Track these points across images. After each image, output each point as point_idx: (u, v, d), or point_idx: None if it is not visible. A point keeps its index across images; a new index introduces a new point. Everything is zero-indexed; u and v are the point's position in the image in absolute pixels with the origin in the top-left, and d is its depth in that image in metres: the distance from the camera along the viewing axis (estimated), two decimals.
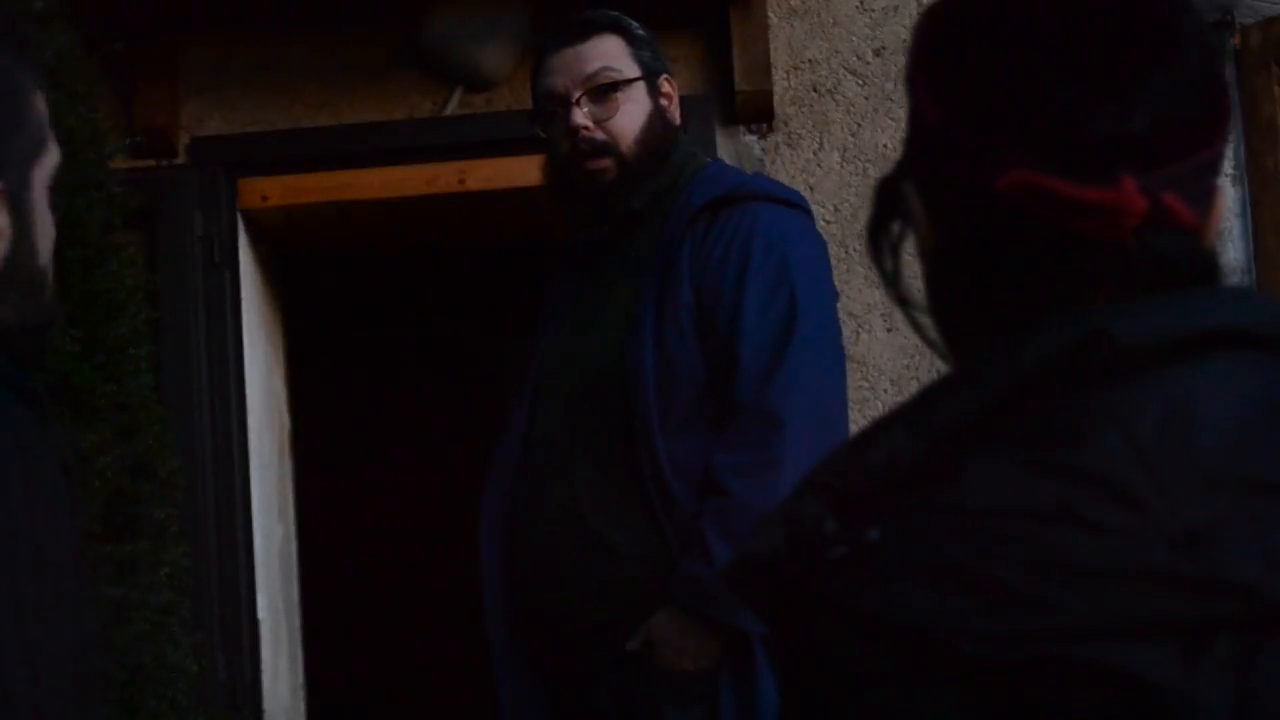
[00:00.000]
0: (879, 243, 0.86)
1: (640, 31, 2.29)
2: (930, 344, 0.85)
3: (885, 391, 3.35)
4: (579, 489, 2.17)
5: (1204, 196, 0.77)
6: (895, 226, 0.86)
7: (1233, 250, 3.31)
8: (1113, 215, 0.73)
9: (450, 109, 3.51)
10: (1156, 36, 0.76)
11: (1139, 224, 0.73)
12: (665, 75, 2.30)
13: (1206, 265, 0.77)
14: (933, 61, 0.81)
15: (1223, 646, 0.64)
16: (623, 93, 2.22)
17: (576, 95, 2.20)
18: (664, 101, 2.28)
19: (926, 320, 0.84)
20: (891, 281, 0.85)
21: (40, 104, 1.14)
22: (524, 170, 3.38)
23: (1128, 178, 0.73)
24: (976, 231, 0.78)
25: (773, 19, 3.41)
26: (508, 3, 3.39)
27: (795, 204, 2.27)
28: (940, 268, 0.81)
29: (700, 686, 2.05)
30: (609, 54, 2.24)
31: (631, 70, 2.24)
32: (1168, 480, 0.67)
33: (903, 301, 0.84)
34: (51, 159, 1.13)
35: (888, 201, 0.85)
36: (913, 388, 3.34)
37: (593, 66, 2.22)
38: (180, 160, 3.55)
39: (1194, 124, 0.76)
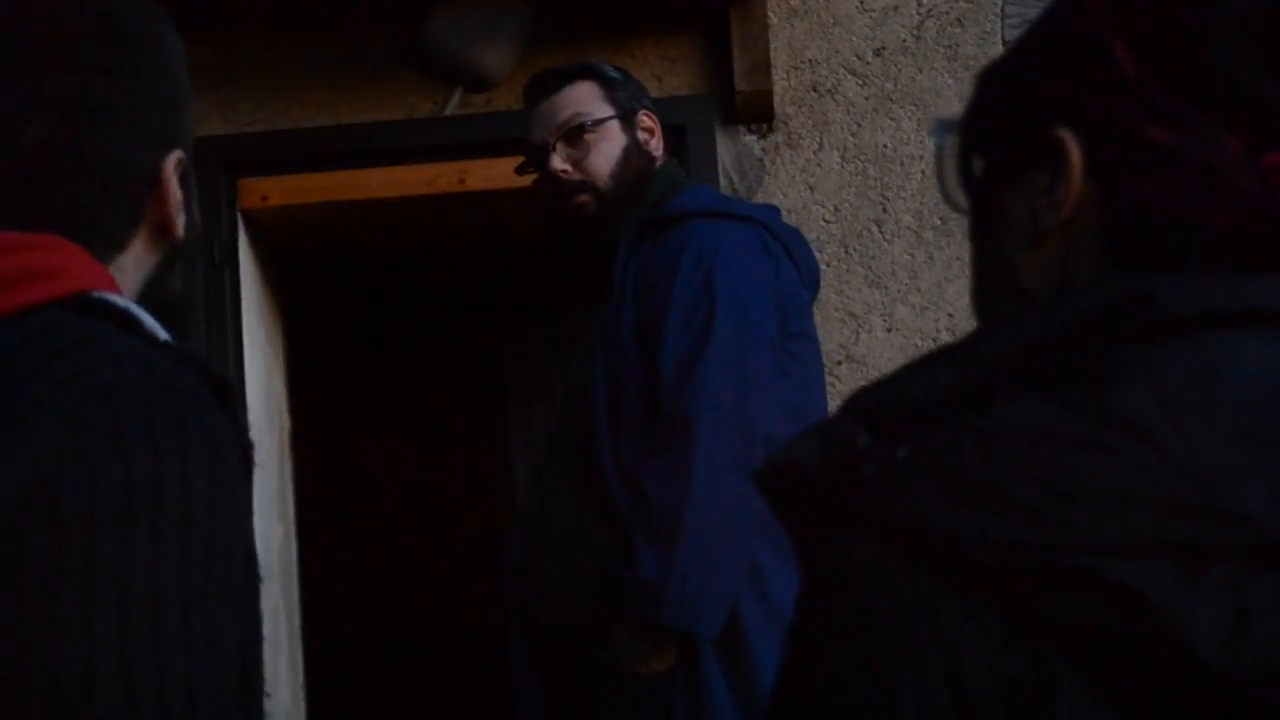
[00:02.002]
0: (967, 178, 0.86)
1: (613, 74, 2.45)
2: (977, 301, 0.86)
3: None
4: (551, 503, 2.29)
5: None
6: (978, 163, 0.86)
7: None
8: None
9: (450, 109, 3.51)
10: None
11: None
12: (645, 111, 2.44)
13: None
14: (1134, 14, 0.80)
15: (1220, 572, 0.66)
16: (594, 133, 2.37)
17: (552, 143, 2.38)
18: (643, 136, 2.42)
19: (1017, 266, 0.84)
20: (982, 212, 0.86)
21: None
22: None
23: None
24: (1164, 194, 0.78)
25: (773, 19, 3.41)
26: (508, 3, 3.39)
27: (741, 216, 2.33)
28: (1083, 222, 0.81)
29: (656, 687, 2.12)
30: (580, 100, 2.40)
31: (603, 111, 2.39)
32: (1189, 427, 0.70)
33: (984, 235, 0.85)
34: None
35: (990, 138, 0.85)
36: None
37: (564, 114, 2.39)
38: None
39: None
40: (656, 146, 2.44)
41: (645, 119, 2.44)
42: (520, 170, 2.49)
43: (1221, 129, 0.77)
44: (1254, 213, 0.77)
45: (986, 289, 0.90)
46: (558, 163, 2.37)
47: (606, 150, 2.38)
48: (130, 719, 0.82)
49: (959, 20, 3.43)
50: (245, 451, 0.99)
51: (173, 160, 1.10)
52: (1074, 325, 0.75)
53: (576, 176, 2.37)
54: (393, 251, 4.60)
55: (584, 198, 2.37)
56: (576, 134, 2.38)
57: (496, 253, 4.73)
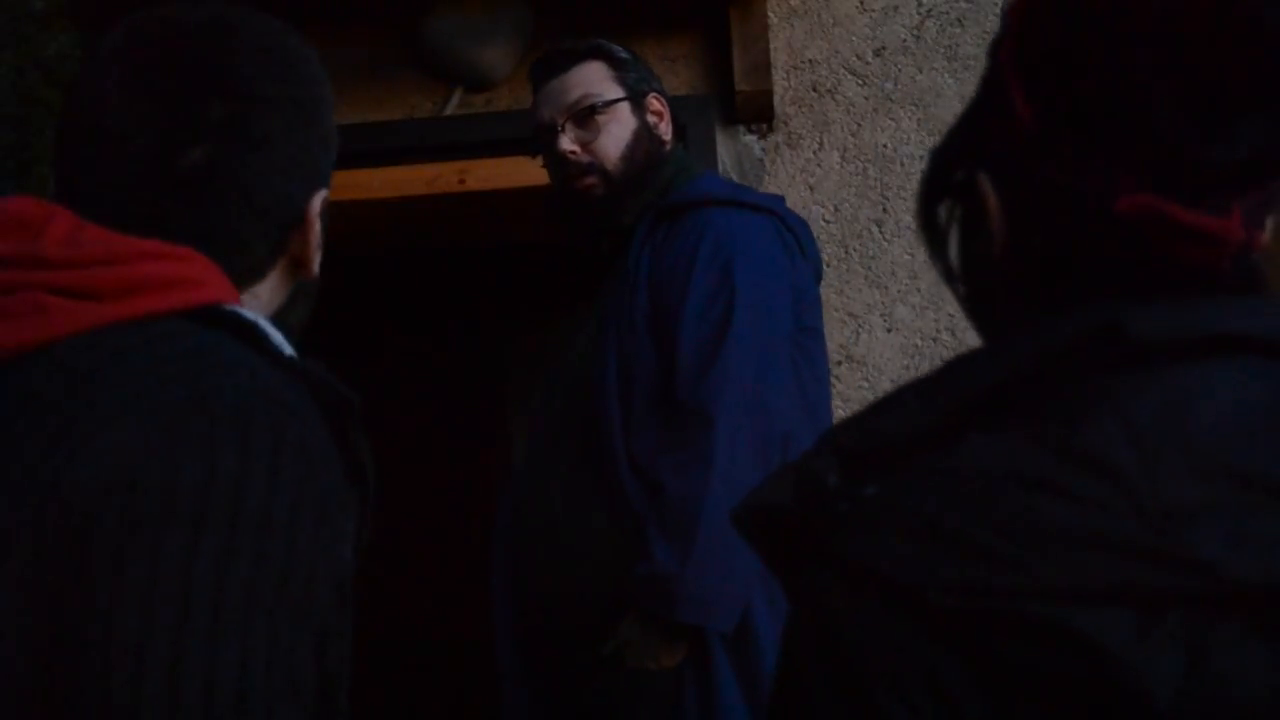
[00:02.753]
0: (933, 225, 0.88)
1: (623, 55, 2.39)
2: (976, 326, 0.88)
3: (885, 391, 3.35)
4: (556, 494, 2.23)
5: (1264, 220, 0.80)
6: (945, 208, 0.88)
7: None
8: (1220, 242, 0.76)
9: (450, 109, 3.51)
10: (1257, 65, 0.77)
11: (1235, 250, 0.77)
12: (654, 94, 2.39)
13: (1260, 282, 0.81)
14: (1030, 57, 0.81)
15: (1176, 620, 0.66)
16: (604, 115, 2.32)
17: (561, 123, 2.32)
18: (652, 119, 2.37)
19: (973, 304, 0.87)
20: (944, 259, 0.88)
21: None
22: (524, 170, 3.38)
23: (1237, 208, 0.76)
24: (1067, 236, 0.80)
25: (773, 19, 3.42)
26: (508, 3, 3.39)
27: (758, 207, 2.30)
28: (1008, 262, 0.83)
29: (666, 683, 2.09)
30: (590, 80, 2.35)
31: (613, 92, 2.34)
32: (1157, 462, 0.69)
33: (953, 279, 0.87)
34: None
35: (943, 185, 0.87)
36: None
37: (574, 95, 2.33)
38: None
39: (1276, 154, 0.78)
40: (665, 130, 2.39)
41: (654, 101, 2.39)
42: (526, 150, 2.43)
43: (1122, 168, 0.77)
44: (1156, 248, 0.77)
45: (972, 317, 0.91)
46: (566, 144, 2.31)
47: (616, 132, 2.32)
48: (173, 708, 0.83)
49: (959, 20, 3.43)
50: (358, 474, 0.99)
51: (319, 198, 1.12)
52: (1042, 358, 0.75)
53: (585, 159, 2.31)
54: (393, 251, 4.61)
55: (591, 180, 2.31)
56: (586, 115, 2.32)
57: (496, 253, 4.73)
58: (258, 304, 1.09)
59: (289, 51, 1.12)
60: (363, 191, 3.58)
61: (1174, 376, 0.73)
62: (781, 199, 2.49)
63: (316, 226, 1.12)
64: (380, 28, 3.50)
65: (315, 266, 1.13)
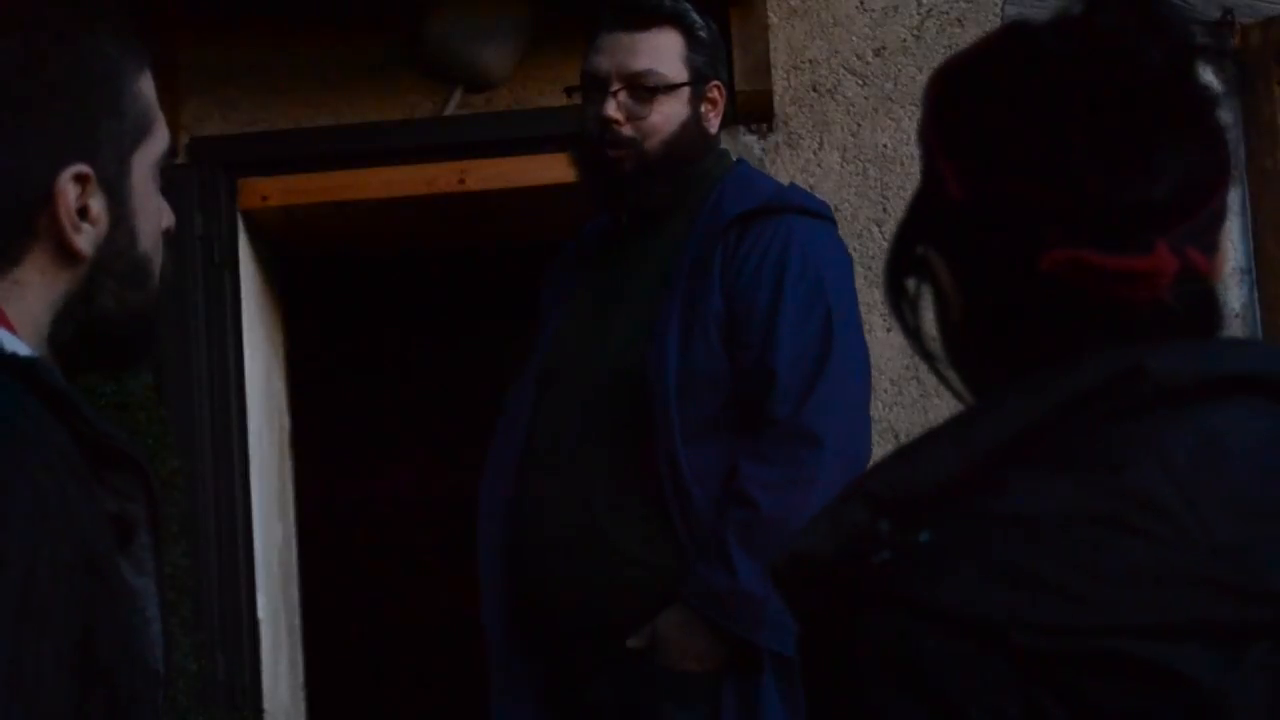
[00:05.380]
0: (900, 300, 0.91)
1: (703, 33, 2.26)
2: (956, 395, 0.90)
3: (885, 391, 3.35)
4: (592, 489, 2.16)
5: (1214, 243, 0.83)
6: (912, 284, 0.91)
7: (1233, 251, 3.31)
8: (1150, 278, 0.79)
9: (450, 109, 3.51)
10: (1168, 102, 0.80)
11: (1172, 281, 0.79)
12: (716, 83, 2.27)
13: (1215, 308, 0.83)
14: (952, 136, 0.85)
15: (1258, 651, 0.68)
16: (662, 96, 2.20)
17: (615, 87, 2.19)
18: (705, 108, 2.26)
19: (952, 374, 0.90)
20: (915, 335, 0.91)
21: (145, 88, 1.12)
22: (524, 170, 3.39)
23: (1160, 242, 0.79)
24: (1014, 299, 0.83)
25: (773, 19, 3.42)
26: (508, 3, 3.39)
27: (826, 217, 2.27)
28: (971, 329, 0.86)
29: (703, 687, 2.06)
30: (661, 53, 2.21)
31: (678, 75, 2.21)
32: (1200, 503, 0.72)
33: (928, 356, 0.90)
34: (158, 144, 1.12)
35: (905, 263, 0.90)
36: (912, 388, 3.34)
37: (640, 64, 2.20)
38: (180, 160, 3.55)
39: (1205, 179, 0.81)
40: (715, 122, 2.28)
41: (714, 90, 2.26)
42: (571, 91, 2.31)
43: (1047, 225, 0.80)
44: (1091, 294, 0.80)
45: (948, 383, 0.94)
46: (613, 109, 2.18)
47: (668, 116, 2.20)
48: None
49: (959, 20, 3.43)
50: (113, 457, 0.97)
51: (70, 174, 1.03)
52: (1067, 402, 0.77)
53: (627, 131, 2.18)
54: (392, 251, 4.61)
55: (624, 153, 2.19)
56: (645, 93, 2.19)
57: (496, 253, 4.73)
58: (22, 291, 1.02)
59: (41, 22, 1.05)
60: (363, 191, 3.58)
61: (1198, 420, 0.76)
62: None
63: (67, 202, 1.02)
64: (380, 28, 3.50)
65: (81, 246, 1.03)
